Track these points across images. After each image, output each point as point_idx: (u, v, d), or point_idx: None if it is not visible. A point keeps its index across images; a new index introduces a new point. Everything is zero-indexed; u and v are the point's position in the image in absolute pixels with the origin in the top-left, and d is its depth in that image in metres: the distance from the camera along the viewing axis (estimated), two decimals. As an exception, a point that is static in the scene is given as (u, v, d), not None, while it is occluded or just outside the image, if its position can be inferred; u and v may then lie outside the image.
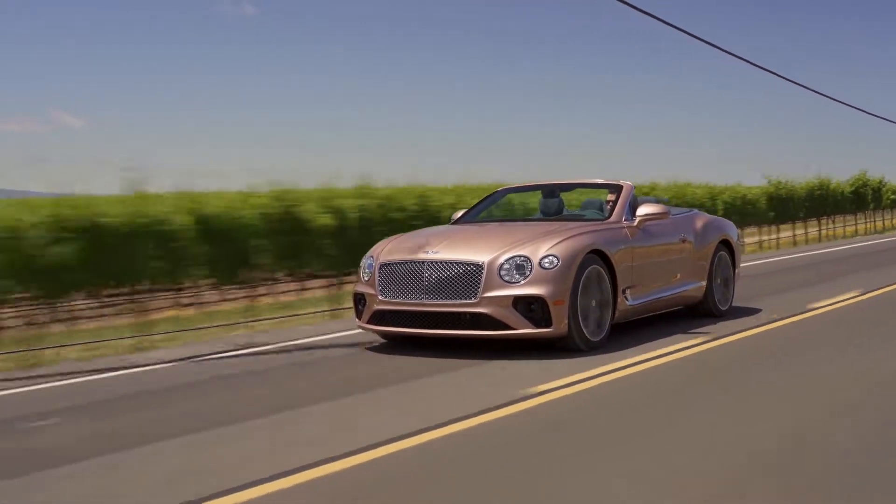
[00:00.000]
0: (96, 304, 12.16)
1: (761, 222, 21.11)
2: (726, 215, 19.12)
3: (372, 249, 7.26)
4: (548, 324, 6.32)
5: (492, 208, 8.60)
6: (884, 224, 28.89)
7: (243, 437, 4.47)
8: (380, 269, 6.83)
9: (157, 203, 8.95)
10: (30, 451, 4.41)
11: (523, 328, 6.33)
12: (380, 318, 6.82)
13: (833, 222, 25.21)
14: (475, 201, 9.45)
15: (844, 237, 24.85)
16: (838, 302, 9.14)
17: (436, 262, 6.54)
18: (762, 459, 3.80)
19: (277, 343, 7.65)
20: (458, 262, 6.48)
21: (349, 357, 6.86)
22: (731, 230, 8.96)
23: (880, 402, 4.93)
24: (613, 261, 6.89)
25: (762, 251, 19.92)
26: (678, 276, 7.94)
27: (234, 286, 10.41)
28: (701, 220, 8.56)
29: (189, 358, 7.15)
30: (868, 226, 27.59)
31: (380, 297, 6.76)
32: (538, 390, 5.20)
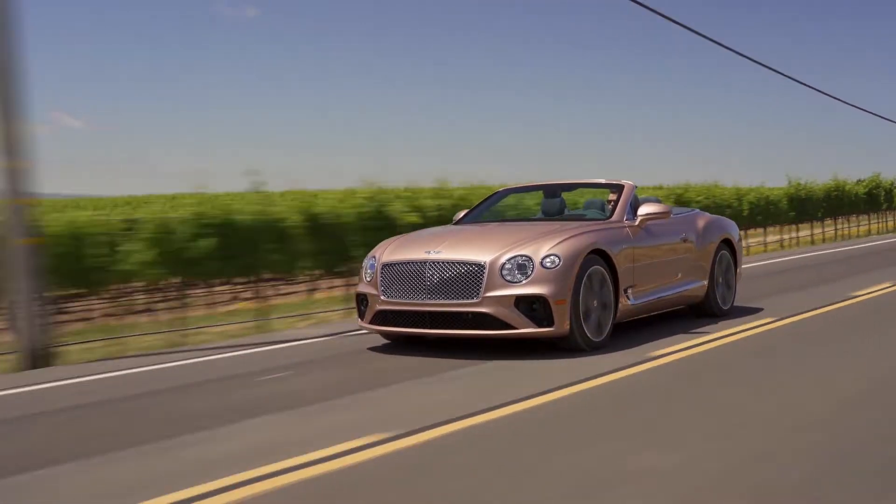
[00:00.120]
0: (227, 291, 14.54)
1: (783, 222, 22.41)
2: (751, 215, 20.69)
3: (374, 250, 7.27)
4: (549, 323, 6.33)
5: (493, 208, 8.62)
6: (895, 223, 30.03)
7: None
8: (382, 269, 6.85)
9: (276, 202, 10.63)
10: (290, 394, 5.63)
11: (525, 328, 6.34)
12: (382, 318, 6.83)
13: (848, 222, 26.40)
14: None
15: (858, 236, 25.88)
16: (875, 291, 9.87)
17: (438, 262, 6.55)
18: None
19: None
20: (459, 262, 6.50)
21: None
22: (733, 230, 8.97)
23: None
24: (615, 260, 6.90)
25: (783, 249, 20.93)
26: (679, 275, 7.95)
27: (333, 276, 11.98)
28: (702, 219, 8.56)
29: (335, 334, 8.27)
30: (880, 225, 28.74)
31: (382, 298, 6.77)
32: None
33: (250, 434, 4.54)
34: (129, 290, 11.93)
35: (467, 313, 6.40)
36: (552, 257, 6.43)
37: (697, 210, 9.11)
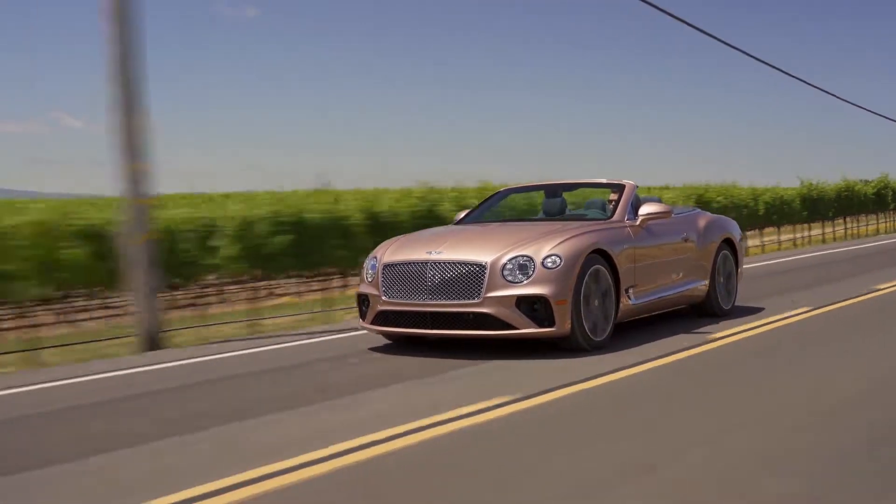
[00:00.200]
0: (293, 284, 15.41)
1: (796, 221, 23.31)
2: (766, 215, 21.52)
3: (375, 250, 7.28)
4: (551, 323, 6.34)
5: (494, 208, 8.62)
6: (903, 222, 31.38)
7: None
8: (383, 269, 6.85)
9: (342, 201, 11.70)
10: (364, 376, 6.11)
11: (526, 328, 6.35)
12: (383, 318, 6.84)
13: (857, 221, 27.41)
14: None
15: (867, 235, 26.81)
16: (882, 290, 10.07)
17: (439, 263, 6.56)
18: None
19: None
20: (461, 263, 6.50)
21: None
22: (734, 229, 8.96)
23: None
24: (616, 260, 6.90)
25: (796, 248, 21.72)
26: (681, 275, 7.95)
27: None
28: (703, 219, 8.56)
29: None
30: (888, 224, 29.74)
31: (383, 298, 6.78)
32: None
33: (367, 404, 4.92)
34: (206, 283, 13.01)
35: (468, 314, 6.41)
36: (553, 257, 6.44)
37: (698, 209, 9.11)
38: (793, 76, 21.29)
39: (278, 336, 8.62)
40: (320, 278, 12.02)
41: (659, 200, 8.28)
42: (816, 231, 24.75)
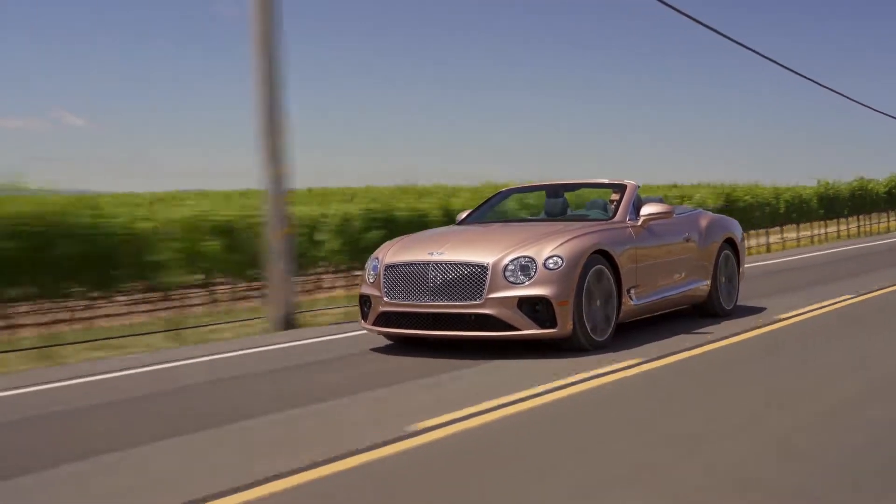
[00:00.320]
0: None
1: (813, 218, 24.68)
2: (787, 213, 22.54)
3: (377, 251, 7.29)
4: (552, 324, 6.35)
5: (496, 209, 8.63)
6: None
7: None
8: (385, 270, 6.86)
9: (424, 197, 13.51)
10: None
11: (528, 329, 6.35)
12: (385, 319, 6.85)
13: (870, 219, 28.71)
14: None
15: (879, 232, 27.89)
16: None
17: (441, 264, 6.56)
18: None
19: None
20: (462, 264, 6.51)
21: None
22: (736, 229, 8.97)
23: None
24: (618, 261, 6.91)
25: (813, 244, 22.64)
26: (682, 275, 7.95)
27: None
28: (705, 219, 8.57)
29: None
30: None
31: (385, 299, 6.79)
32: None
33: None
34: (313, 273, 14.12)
35: (470, 315, 6.41)
36: (555, 258, 6.44)
37: (700, 209, 9.12)
38: (804, 76, 22.44)
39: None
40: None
41: (661, 200, 8.28)
42: (832, 228, 26.11)
